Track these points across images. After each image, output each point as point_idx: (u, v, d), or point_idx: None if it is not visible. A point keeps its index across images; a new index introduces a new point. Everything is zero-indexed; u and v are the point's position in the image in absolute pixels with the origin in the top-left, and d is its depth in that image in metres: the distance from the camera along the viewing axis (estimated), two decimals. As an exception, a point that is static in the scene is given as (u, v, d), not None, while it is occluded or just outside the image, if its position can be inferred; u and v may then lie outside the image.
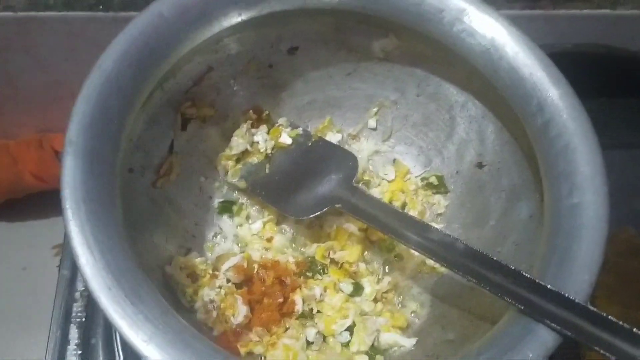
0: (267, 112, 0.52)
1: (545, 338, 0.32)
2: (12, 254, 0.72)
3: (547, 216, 0.38)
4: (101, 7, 0.57)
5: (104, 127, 0.37)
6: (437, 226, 0.51)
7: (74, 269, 0.55)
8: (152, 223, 0.46)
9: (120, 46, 0.39)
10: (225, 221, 0.51)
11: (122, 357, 0.50)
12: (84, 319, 0.52)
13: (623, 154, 0.48)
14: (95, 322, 0.52)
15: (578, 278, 0.34)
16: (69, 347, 0.51)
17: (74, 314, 0.53)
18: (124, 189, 0.41)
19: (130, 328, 0.31)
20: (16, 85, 0.67)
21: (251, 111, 0.52)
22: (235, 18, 0.44)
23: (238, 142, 0.50)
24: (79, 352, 0.51)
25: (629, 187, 0.42)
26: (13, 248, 0.72)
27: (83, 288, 0.54)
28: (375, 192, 0.52)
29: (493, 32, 0.42)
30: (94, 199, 0.34)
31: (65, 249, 0.56)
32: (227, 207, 0.51)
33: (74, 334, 0.52)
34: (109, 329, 0.52)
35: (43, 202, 0.71)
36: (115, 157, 0.37)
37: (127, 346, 0.49)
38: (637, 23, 0.62)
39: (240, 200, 0.52)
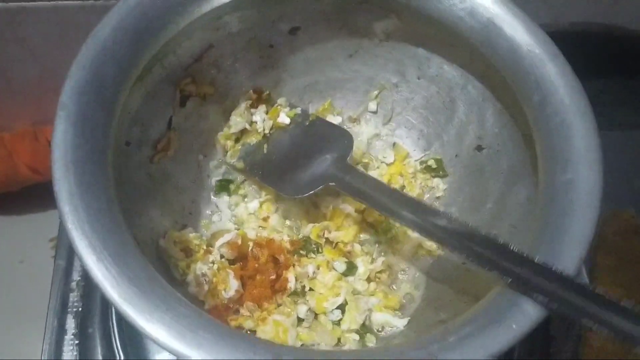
0: (267, 92, 0.52)
1: (529, 311, 0.32)
2: (9, 247, 0.71)
3: (541, 193, 0.37)
4: None
5: (97, 94, 0.37)
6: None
7: (70, 258, 0.55)
8: (149, 197, 0.46)
9: (117, 15, 0.39)
10: (222, 199, 0.51)
11: (119, 346, 0.50)
12: (80, 309, 0.52)
13: (621, 134, 0.47)
14: (92, 312, 0.52)
15: (569, 253, 0.33)
16: (66, 336, 0.51)
17: (70, 304, 0.53)
18: (121, 162, 0.42)
19: (113, 288, 0.31)
20: (9, 77, 0.67)
21: (251, 91, 0.52)
22: (235, -8, 0.44)
23: (237, 121, 0.51)
24: (76, 341, 0.51)
25: (628, 168, 0.41)
26: (10, 241, 0.72)
27: (79, 278, 0.54)
28: (373, 174, 0.52)
29: (492, 10, 0.42)
30: (84, 161, 0.34)
31: (60, 239, 0.56)
32: (225, 186, 0.51)
33: (70, 323, 0.52)
34: (106, 318, 0.51)
35: (39, 194, 0.70)
36: (109, 125, 0.37)
37: (124, 335, 0.50)
38: (634, 1, 0.61)
39: (238, 179, 0.52)
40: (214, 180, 0.51)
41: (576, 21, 0.59)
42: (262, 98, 0.52)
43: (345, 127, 0.54)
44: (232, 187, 0.51)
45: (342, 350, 0.40)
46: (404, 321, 0.44)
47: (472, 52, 0.44)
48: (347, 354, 0.33)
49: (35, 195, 0.70)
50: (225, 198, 0.51)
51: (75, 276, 0.54)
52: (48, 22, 0.58)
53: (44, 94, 0.66)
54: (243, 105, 0.51)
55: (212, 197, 0.51)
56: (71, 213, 0.32)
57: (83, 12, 0.57)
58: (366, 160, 0.53)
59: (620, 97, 0.58)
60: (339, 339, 0.44)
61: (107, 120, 0.37)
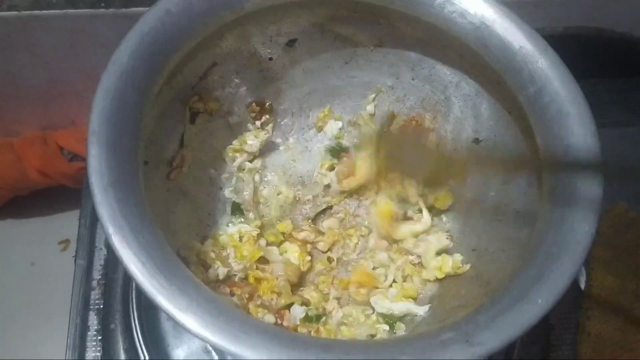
0: (269, 103, 0.54)
1: (553, 285, 0.34)
2: (21, 250, 0.73)
3: (545, 177, 0.40)
4: (103, 4, 0.59)
5: (122, 118, 0.39)
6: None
7: (90, 258, 0.57)
8: (169, 213, 0.47)
9: (132, 42, 0.41)
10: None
11: (141, 342, 0.51)
12: (102, 306, 0.54)
13: (613, 132, 0.51)
14: (113, 309, 0.54)
15: (581, 228, 0.36)
16: (89, 333, 0.53)
17: (92, 302, 0.55)
18: (142, 180, 0.43)
19: (167, 300, 0.33)
20: (19, 84, 0.68)
21: (254, 104, 0.54)
22: (237, 12, 0.46)
23: (252, 141, 0.53)
24: (99, 337, 0.53)
25: (620, 164, 0.45)
26: (21, 244, 0.74)
27: (100, 277, 0.56)
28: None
29: (482, 10, 0.45)
30: (120, 183, 0.36)
31: (79, 240, 0.57)
32: (236, 208, 0.53)
33: (93, 320, 0.54)
34: (128, 314, 0.53)
35: (48, 198, 0.72)
36: (136, 146, 0.39)
37: (145, 330, 0.51)
38: (624, 5, 0.65)
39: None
40: (227, 191, 0.53)
41: (569, 25, 0.63)
42: (265, 109, 0.54)
43: (345, 130, 0.57)
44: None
45: (381, 340, 0.42)
46: (425, 308, 0.47)
47: (464, 51, 0.47)
48: (387, 343, 0.35)
49: (44, 198, 0.72)
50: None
51: (96, 275, 0.56)
52: (58, 30, 0.60)
53: (52, 100, 0.68)
54: (258, 123, 0.54)
55: (227, 208, 0.53)
56: (116, 232, 0.34)
57: (92, 20, 0.59)
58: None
59: (611, 96, 0.62)
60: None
61: (134, 143, 0.39)
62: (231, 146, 0.53)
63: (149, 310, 0.52)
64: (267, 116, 0.54)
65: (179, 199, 0.49)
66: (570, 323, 0.56)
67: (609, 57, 0.64)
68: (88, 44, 0.61)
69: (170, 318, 0.32)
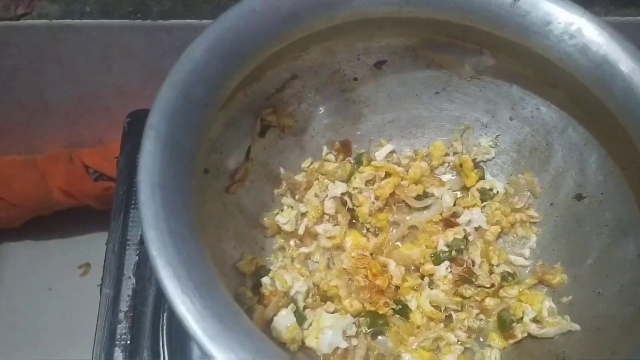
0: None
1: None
2: (38, 274, 0.69)
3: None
4: (139, 15, 0.55)
5: (186, 116, 0.35)
6: (526, 262, 0.47)
7: (117, 287, 0.50)
8: (222, 229, 0.43)
9: (210, 36, 0.38)
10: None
11: None
12: (128, 342, 0.49)
13: None
14: (141, 345, 0.48)
15: None
16: None
17: (117, 336, 0.49)
18: (198, 189, 0.39)
19: (196, 322, 0.28)
20: (46, 97, 0.64)
21: (338, 143, 0.51)
22: (326, 21, 0.42)
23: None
24: None
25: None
26: (38, 268, 0.69)
27: (127, 308, 0.50)
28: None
29: (606, 46, 0.39)
30: (170, 185, 0.32)
31: (106, 267, 0.52)
32: None
33: (118, 356, 0.47)
34: (157, 352, 0.47)
35: (69, 219, 0.68)
36: (195, 148, 0.35)
37: None
38: None
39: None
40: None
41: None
42: (347, 150, 0.50)
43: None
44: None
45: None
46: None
47: (577, 92, 0.42)
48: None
49: (64, 219, 0.68)
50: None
51: (123, 306, 0.50)
52: (90, 41, 0.56)
53: (81, 116, 0.63)
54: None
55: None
56: (156, 239, 0.30)
57: (128, 31, 0.55)
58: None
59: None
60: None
61: (194, 145, 0.35)
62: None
63: (182, 348, 0.47)
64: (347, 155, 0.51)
65: (235, 215, 0.45)
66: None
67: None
68: (121, 57, 0.57)
69: (197, 344, 0.28)
